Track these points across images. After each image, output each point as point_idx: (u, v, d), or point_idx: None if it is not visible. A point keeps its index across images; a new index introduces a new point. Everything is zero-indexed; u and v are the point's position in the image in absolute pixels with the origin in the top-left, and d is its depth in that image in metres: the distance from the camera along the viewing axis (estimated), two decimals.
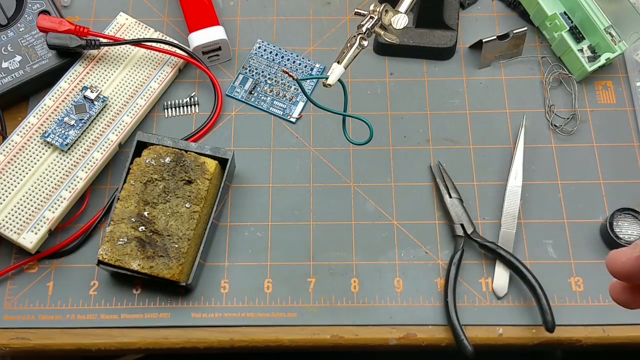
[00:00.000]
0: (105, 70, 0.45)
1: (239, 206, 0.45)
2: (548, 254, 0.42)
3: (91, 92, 0.43)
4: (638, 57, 0.43)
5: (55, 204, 0.40)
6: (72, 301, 0.41)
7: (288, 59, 0.48)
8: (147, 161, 0.42)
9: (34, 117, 0.42)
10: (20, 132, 0.42)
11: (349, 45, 0.33)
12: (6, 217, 0.39)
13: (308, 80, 0.48)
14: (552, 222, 0.42)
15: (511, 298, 0.41)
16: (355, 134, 0.46)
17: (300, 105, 0.49)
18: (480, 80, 0.46)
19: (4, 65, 0.42)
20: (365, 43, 0.34)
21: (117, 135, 0.44)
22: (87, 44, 0.43)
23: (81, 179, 0.42)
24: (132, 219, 0.40)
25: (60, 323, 0.40)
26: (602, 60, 0.43)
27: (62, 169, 0.41)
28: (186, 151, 0.43)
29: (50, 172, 0.41)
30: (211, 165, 0.42)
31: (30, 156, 0.41)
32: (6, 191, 0.40)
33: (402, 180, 0.46)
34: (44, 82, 0.44)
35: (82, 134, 0.43)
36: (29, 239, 0.39)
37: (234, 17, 0.49)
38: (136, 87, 0.46)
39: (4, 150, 0.41)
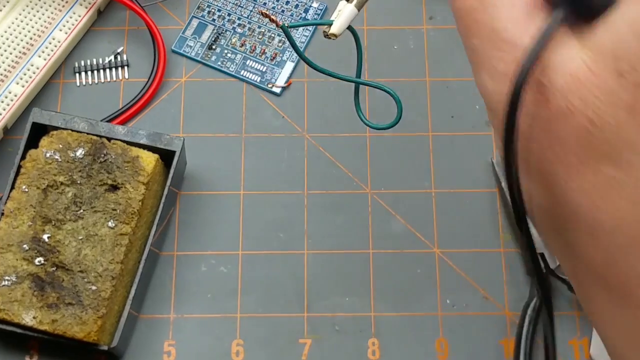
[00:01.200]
0: None
1: (193, 225, 0.46)
2: None
3: None
4: None
5: None
6: None
7: None
8: (47, 155, 0.41)
9: None
10: None
11: None
12: None
13: (301, 28, 0.47)
14: None
15: None
16: (375, 112, 0.47)
17: (289, 67, 0.49)
18: None
19: None
20: None
21: None
22: None
23: None
24: (24, 246, 0.39)
25: None
26: None
27: None
28: (109, 139, 0.42)
29: None
30: (149, 161, 0.42)
31: None
32: None
33: (448, 183, 0.47)
34: None
35: None
36: None
37: None
38: (30, 38, 0.45)
39: None
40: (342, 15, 0.32)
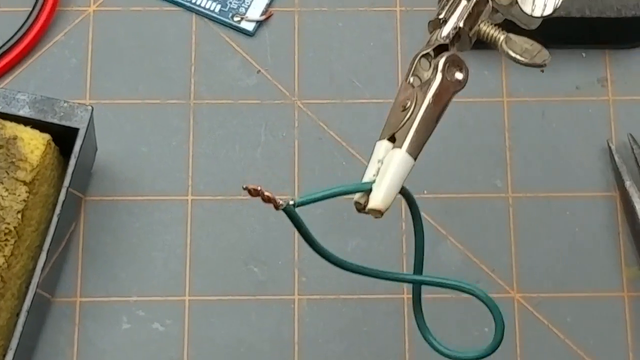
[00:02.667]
0: None
1: (107, 253, 0.46)
2: None
3: None
4: None
5: None
6: None
7: None
8: None
9: None
10: None
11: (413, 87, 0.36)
12: None
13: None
14: None
15: None
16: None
17: None
18: None
19: None
20: (459, 76, 0.36)
21: None
22: None
23: None
24: None
25: None
26: None
27: None
28: None
29: None
30: (33, 145, 0.43)
31: None
32: None
33: (535, 183, 0.48)
34: None
35: None
36: None
37: None
38: None
39: None
40: (388, 174, 0.33)
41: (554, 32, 0.47)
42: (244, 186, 0.31)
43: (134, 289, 0.46)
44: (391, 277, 0.37)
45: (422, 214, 0.45)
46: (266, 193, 0.31)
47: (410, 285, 0.45)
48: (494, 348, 0.36)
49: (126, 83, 0.49)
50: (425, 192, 0.47)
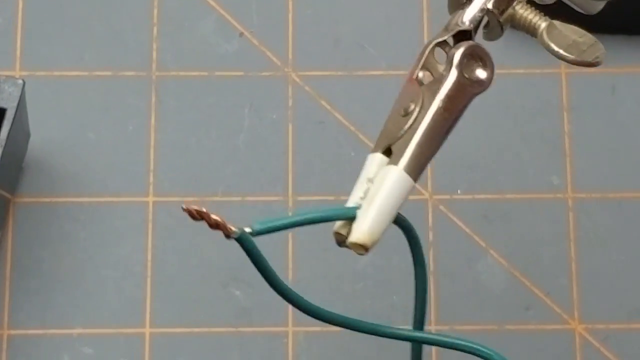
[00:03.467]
0: None
1: (43, 270, 0.46)
2: None
3: None
4: None
5: None
6: None
7: None
8: None
9: None
10: None
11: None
12: None
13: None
14: None
15: None
16: None
17: None
18: None
19: None
20: (481, 74, 0.36)
21: None
22: None
23: None
24: None
25: None
26: None
27: None
28: None
29: None
30: None
31: None
32: None
33: (601, 180, 0.49)
34: None
35: None
36: None
37: None
38: None
39: None
40: (378, 199, 0.33)
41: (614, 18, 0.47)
42: (183, 207, 0.31)
43: (78, 319, 0.46)
44: (386, 333, 0.37)
45: (455, 220, 0.48)
46: (213, 217, 0.31)
47: (436, 312, 0.45)
48: None
49: (67, 49, 0.49)
50: (459, 191, 0.48)
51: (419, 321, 0.37)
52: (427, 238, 0.47)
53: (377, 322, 0.46)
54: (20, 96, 0.43)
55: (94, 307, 0.46)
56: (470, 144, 0.48)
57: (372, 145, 0.47)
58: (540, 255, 0.47)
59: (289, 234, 0.47)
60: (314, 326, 0.45)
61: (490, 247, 0.47)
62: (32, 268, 0.46)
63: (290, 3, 0.50)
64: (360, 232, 0.32)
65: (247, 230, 0.31)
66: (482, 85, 0.36)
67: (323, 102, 0.48)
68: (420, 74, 0.36)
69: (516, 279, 0.47)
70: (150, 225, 0.47)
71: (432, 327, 0.46)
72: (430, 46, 0.37)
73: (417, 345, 0.38)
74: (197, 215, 0.31)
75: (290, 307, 0.44)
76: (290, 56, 0.49)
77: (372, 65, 0.49)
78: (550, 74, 0.49)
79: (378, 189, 0.33)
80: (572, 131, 0.49)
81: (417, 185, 0.47)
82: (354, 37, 0.50)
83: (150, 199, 0.47)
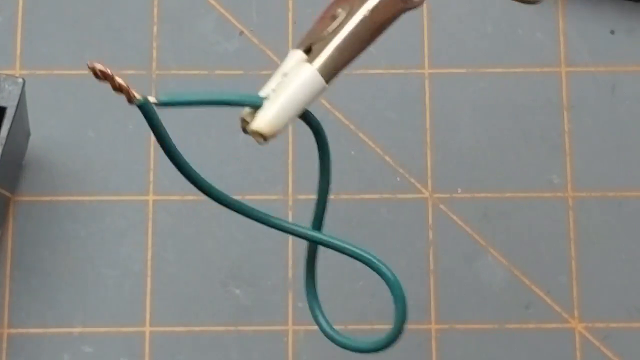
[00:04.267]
0: None
1: (43, 270, 0.47)
2: None
3: None
4: None
5: None
6: None
7: None
8: None
9: None
10: None
11: None
12: None
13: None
14: None
15: None
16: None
17: None
18: None
19: None
20: None
21: None
22: None
23: None
24: None
25: None
26: None
27: None
28: None
29: None
30: None
31: None
32: None
33: (605, 178, 0.49)
34: None
35: None
36: None
37: None
38: None
39: None
40: (285, 91, 0.33)
41: None
42: (89, 64, 0.30)
43: (79, 318, 0.46)
44: (275, 224, 0.37)
45: (455, 219, 0.48)
46: (117, 79, 0.30)
47: (436, 311, 0.45)
48: (390, 340, 0.36)
49: (68, 48, 0.49)
50: (459, 190, 0.48)
51: (319, 218, 0.38)
52: (427, 237, 0.47)
53: (377, 321, 0.46)
54: (21, 95, 0.43)
55: (94, 306, 0.46)
56: (470, 143, 0.48)
57: (372, 143, 0.48)
58: (540, 254, 0.47)
59: (289, 234, 0.47)
60: (314, 325, 0.45)
61: (490, 246, 0.47)
62: (32, 267, 0.46)
63: (290, 2, 0.50)
64: (262, 121, 0.33)
65: (152, 100, 0.31)
66: (415, 2, 0.36)
67: (323, 101, 0.48)
68: None
69: (516, 277, 0.47)
70: (150, 224, 0.47)
71: (432, 326, 0.47)
72: None
73: (312, 247, 0.38)
74: (101, 76, 0.30)
75: (290, 305, 0.47)
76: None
77: (372, 64, 0.49)
78: (550, 72, 0.49)
79: (288, 84, 0.33)
80: (572, 130, 0.49)
81: (417, 184, 0.49)
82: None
83: (151, 197, 0.47)
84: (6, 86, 0.43)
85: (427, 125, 0.49)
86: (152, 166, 0.48)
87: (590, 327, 0.46)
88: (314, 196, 0.47)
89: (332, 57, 0.34)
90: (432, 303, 0.46)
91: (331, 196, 0.47)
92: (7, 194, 0.46)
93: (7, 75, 0.43)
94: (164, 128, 0.32)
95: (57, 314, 0.46)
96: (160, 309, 0.46)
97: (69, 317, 0.46)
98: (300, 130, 0.47)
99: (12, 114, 0.43)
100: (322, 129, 0.35)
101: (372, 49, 0.49)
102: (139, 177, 0.47)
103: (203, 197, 0.47)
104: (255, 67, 0.49)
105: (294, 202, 0.48)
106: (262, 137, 0.33)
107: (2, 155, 0.42)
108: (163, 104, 0.32)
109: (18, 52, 0.48)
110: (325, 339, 0.45)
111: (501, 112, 0.49)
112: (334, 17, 0.35)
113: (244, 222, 0.46)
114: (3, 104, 0.43)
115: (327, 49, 0.34)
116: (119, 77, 0.30)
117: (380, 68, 0.49)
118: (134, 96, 0.31)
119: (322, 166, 0.37)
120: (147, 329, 0.46)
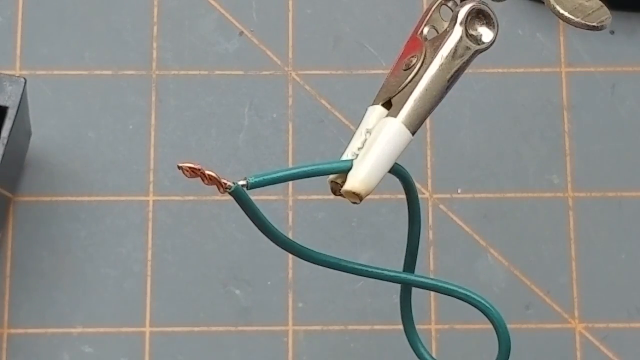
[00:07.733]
0: None
1: (43, 270, 0.47)
2: None
3: None
4: None
5: None
6: None
7: None
8: None
9: None
10: None
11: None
12: None
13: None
14: None
15: None
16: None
17: None
18: None
19: None
20: (485, 33, 0.36)
21: None
22: None
23: None
24: None
25: None
26: None
27: None
28: None
29: None
30: None
31: None
32: None
33: (604, 178, 0.49)
34: None
35: None
36: None
37: None
38: None
39: None
40: (374, 149, 0.33)
41: None
42: (178, 164, 0.31)
43: (79, 318, 0.46)
44: (373, 274, 0.37)
45: (455, 219, 0.49)
46: (208, 172, 0.31)
47: (436, 311, 0.45)
48: None
49: (68, 48, 0.49)
50: (459, 190, 0.48)
51: (411, 263, 0.38)
52: (427, 237, 0.47)
53: (377, 321, 0.46)
54: (22, 94, 0.43)
55: (94, 306, 0.46)
56: (470, 143, 0.48)
57: None
58: (541, 254, 0.47)
59: (289, 233, 0.47)
60: (314, 325, 0.46)
61: (490, 246, 0.47)
62: (32, 267, 0.46)
63: (290, 2, 0.50)
64: (355, 180, 0.32)
65: (242, 183, 0.32)
66: (486, 44, 0.36)
67: (323, 101, 0.48)
68: (425, 30, 0.36)
69: (516, 278, 0.47)
70: (150, 224, 0.47)
71: (432, 326, 0.46)
72: (437, 3, 0.36)
73: (407, 289, 0.38)
74: (192, 173, 0.31)
75: (290, 305, 0.47)
76: (290, 55, 0.49)
77: (372, 64, 0.49)
78: (550, 72, 0.49)
79: (375, 140, 0.33)
80: (572, 130, 0.49)
81: (417, 184, 0.47)
82: (353, 36, 0.49)
83: (151, 197, 0.47)
84: (7, 86, 0.43)
85: (427, 125, 0.49)
86: (152, 166, 0.47)
87: (590, 327, 0.47)
88: (314, 196, 0.48)
89: (414, 109, 0.34)
90: (432, 303, 0.46)
91: (332, 196, 0.47)
92: (8, 194, 0.46)
93: (7, 75, 0.43)
94: (258, 209, 0.33)
95: (57, 314, 0.45)
96: (160, 309, 0.46)
97: (69, 317, 0.45)
98: (300, 130, 0.48)
99: (14, 114, 0.43)
100: (409, 176, 0.35)
101: (372, 49, 0.49)
102: (139, 177, 0.47)
103: (203, 197, 0.47)
104: (255, 68, 0.49)
105: (294, 202, 0.48)
106: (358, 197, 0.33)
107: (3, 155, 0.43)
108: (254, 186, 0.32)
109: (18, 52, 0.48)
110: (325, 339, 0.46)
111: (501, 112, 0.49)
112: (407, 67, 0.35)
113: (244, 222, 0.46)
114: (4, 103, 0.43)
115: (408, 100, 0.34)
116: (207, 170, 0.31)
117: (380, 68, 0.49)
118: (226, 185, 0.31)
119: (411, 212, 0.37)
120: (147, 329, 0.46)
